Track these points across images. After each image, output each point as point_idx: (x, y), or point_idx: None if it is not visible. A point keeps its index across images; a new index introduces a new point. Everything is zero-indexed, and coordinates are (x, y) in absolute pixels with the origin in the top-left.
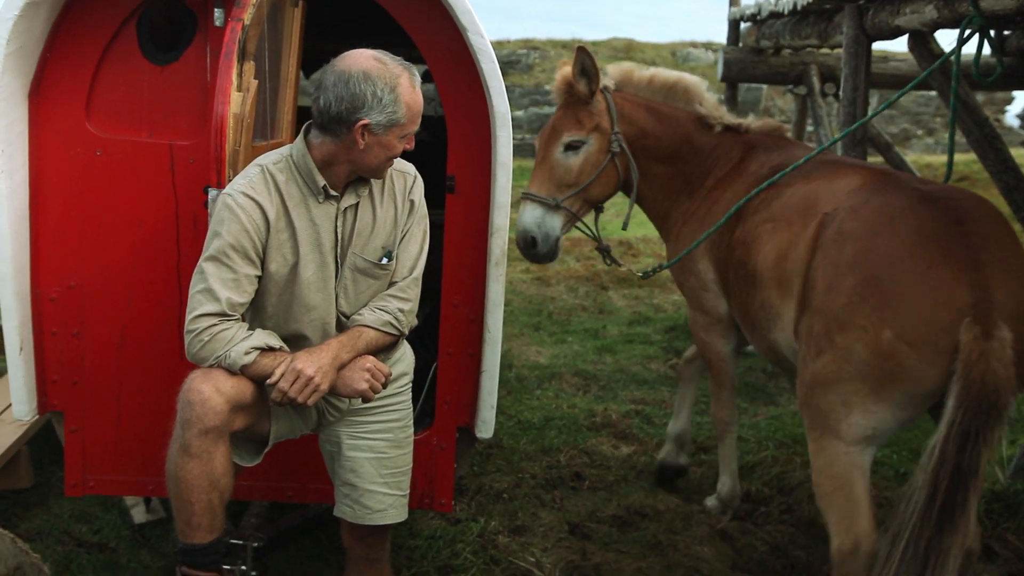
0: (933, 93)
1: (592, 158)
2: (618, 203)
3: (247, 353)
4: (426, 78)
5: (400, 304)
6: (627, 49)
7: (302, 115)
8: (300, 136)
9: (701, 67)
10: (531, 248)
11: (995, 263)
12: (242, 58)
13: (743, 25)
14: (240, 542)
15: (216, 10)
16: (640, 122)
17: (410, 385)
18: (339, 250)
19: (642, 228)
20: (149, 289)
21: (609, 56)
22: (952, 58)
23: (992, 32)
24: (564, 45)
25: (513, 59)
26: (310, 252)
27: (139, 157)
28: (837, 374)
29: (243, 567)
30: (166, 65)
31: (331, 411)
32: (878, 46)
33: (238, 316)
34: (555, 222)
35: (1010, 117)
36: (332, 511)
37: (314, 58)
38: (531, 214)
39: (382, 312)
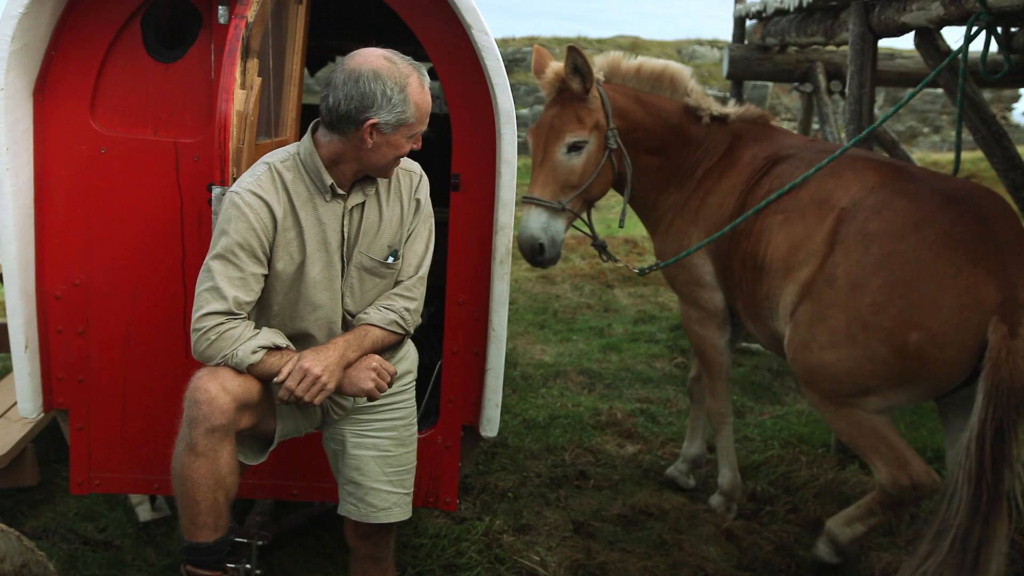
0: (940, 91)
1: (592, 157)
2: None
3: (254, 352)
4: (430, 75)
5: (406, 303)
6: (633, 47)
7: (306, 113)
8: (307, 134)
9: (707, 64)
10: (538, 255)
11: (1018, 263)
12: (246, 55)
13: (749, 22)
14: (244, 540)
15: (220, 7)
16: (632, 115)
17: (414, 383)
18: (345, 249)
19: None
20: (154, 287)
21: None
22: (959, 55)
23: (999, 29)
24: (570, 43)
25: (518, 57)
26: (316, 251)
27: (144, 155)
28: (857, 369)
29: (247, 565)
30: (171, 63)
31: (336, 409)
32: (884, 43)
33: (245, 314)
34: (560, 226)
35: (1017, 115)
36: (335, 509)
37: (318, 56)
38: (537, 219)
39: (388, 311)
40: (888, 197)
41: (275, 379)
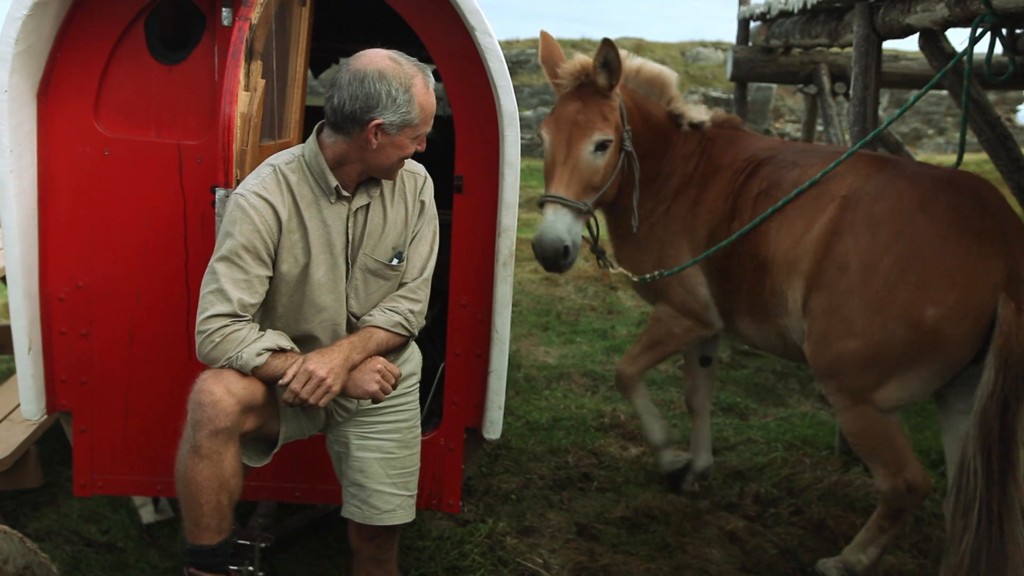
0: (944, 93)
1: (612, 158)
2: None
3: (259, 354)
4: (435, 77)
5: (410, 305)
6: (637, 49)
7: (310, 115)
8: (312, 136)
9: (710, 66)
10: (563, 258)
11: (1017, 240)
12: (249, 57)
13: (753, 24)
14: (247, 543)
15: (224, 9)
16: (634, 118)
17: (418, 385)
18: (350, 251)
19: None
20: (157, 289)
21: None
22: (964, 57)
23: (1004, 30)
24: (574, 44)
25: (522, 59)
26: (321, 253)
27: (147, 157)
28: (874, 354)
29: (250, 568)
30: (174, 64)
31: (339, 411)
32: (889, 45)
33: (249, 317)
34: (579, 228)
35: (1022, 116)
36: (339, 511)
37: (322, 58)
38: (563, 220)
39: (392, 313)
40: (888, 181)
41: (280, 381)
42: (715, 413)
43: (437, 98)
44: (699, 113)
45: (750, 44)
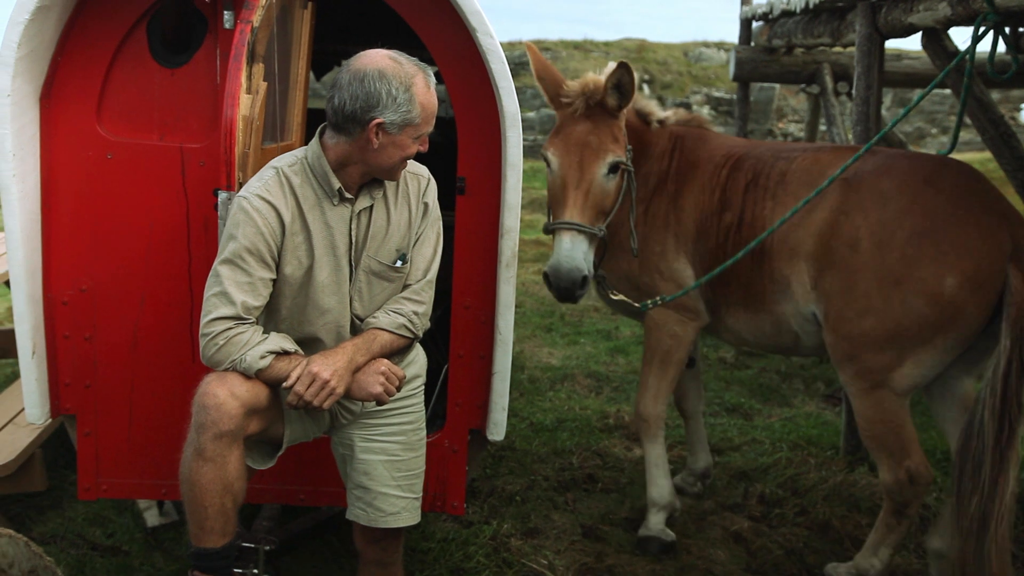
0: (947, 91)
1: (620, 179)
2: None
3: (262, 357)
4: (436, 79)
5: (414, 307)
6: (639, 49)
7: (312, 117)
8: (315, 138)
9: (713, 67)
10: (579, 289)
11: (1014, 217)
12: (251, 60)
13: (755, 24)
14: (252, 545)
15: (225, 12)
16: (628, 133)
17: (423, 388)
18: (353, 253)
19: None
20: (161, 292)
21: (621, 57)
22: (967, 56)
23: (1007, 29)
24: (576, 46)
25: (524, 60)
26: (324, 255)
27: (150, 160)
28: (892, 330)
29: (255, 570)
30: (176, 68)
31: (344, 414)
32: (891, 44)
33: (253, 319)
34: (592, 255)
35: None
36: (343, 514)
37: (324, 60)
38: (580, 248)
39: (396, 315)
40: (888, 161)
41: (284, 384)
42: (719, 413)
43: (439, 100)
44: (660, 109)
45: (753, 44)
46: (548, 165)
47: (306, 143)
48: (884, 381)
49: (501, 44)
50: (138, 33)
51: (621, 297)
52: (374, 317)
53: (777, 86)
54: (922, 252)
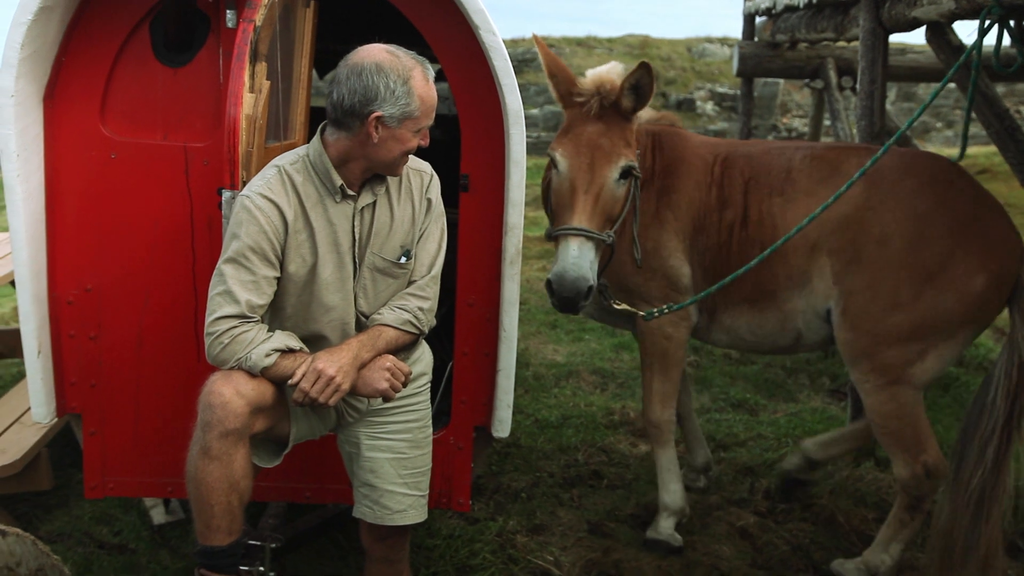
0: (952, 85)
1: (629, 185)
2: None
3: (267, 355)
4: (440, 77)
5: (419, 303)
6: (642, 45)
7: (315, 116)
8: (316, 135)
9: (717, 62)
10: (583, 299)
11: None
12: (254, 59)
13: (758, 19)
14: (258, 543)
15: (228, 11)
16: None
17: (429, 386)
18: (357, 250)
19: None
20: (165, 291)
21: (624, 53)
22: (974, 51)
23: (1012, 22)
24: (579, 43)
25: (528, 57)
26: (328, 252)
27: (154, 159)
28: (920, 326)
29: (261, 568)
30: (179, 67)
31: (350, 412)
32: (895, 38)
33: (258, 318)
34: (597, 264)
35: None
36: (349, 511)
37: (327, 59)
38: (587, 257)
39: (402, 311)
40: (904, 160)
41: (289, 381)
42: (724, 409)
43: (443, 97)
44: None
45: (756, 39)
46: (555, 166)
47: (309, 142)
48: (904, 376)
49: (504, 41)
50: (141, 33)
51: (624, 307)
52: (379, 314)
53: (781, 81)
54: (954, 250)
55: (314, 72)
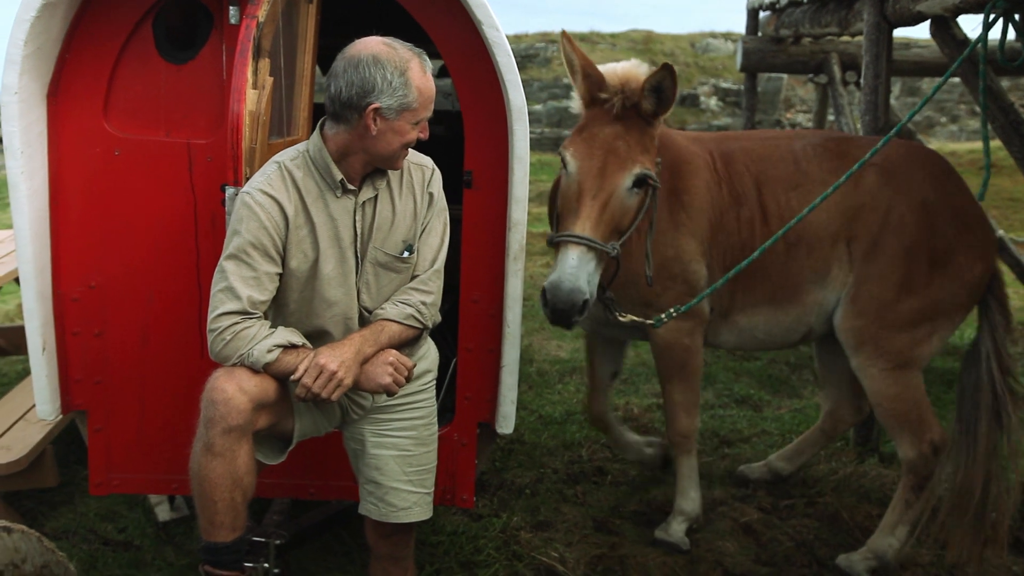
0: (956, 79)
1: (643, 196)
2: None
3: (270, 351)
4: (443, 73)
5: (422, 297)
6: (646, 41)
7: (318, 112)
8: (316, 130)
9: (720, 57)
10: (577, 314)
11: None
12: (257, 55)
13: (762, 14)
14: (262, 540)
15: (231, 8)
16: None
17: (434, 383)
18: (359, 244)
19: None
20: (169, 288)
21: (628, 48)
22: (979, 45)
23: (1017, 16)
24: (582, 38)
25: (531, 53)
26: (330, 247)
27: (157, 156)
28: (932, 308)
29: (265, 564)
30: (183, 64)
31: (355, 409)
32: (899, 32)
33: (260, 314)
34: (597, 277)
35: None
36: (353, 508)
37: (330, 55)
38: (586, 268)
39: (404, 305)
40: (911, 152)
41: (292, 377)
42: (728, 405)
43: (446, 93)
44: None
45: (760, 34)
46: (564, 166)
47: None
48: (910, 358)
49: (507, 37)
50: (144, 29)
51: (631, 318)
52: (382, 308)
53: (785, 76)
54: (961, 240)
55: (317, 68)
